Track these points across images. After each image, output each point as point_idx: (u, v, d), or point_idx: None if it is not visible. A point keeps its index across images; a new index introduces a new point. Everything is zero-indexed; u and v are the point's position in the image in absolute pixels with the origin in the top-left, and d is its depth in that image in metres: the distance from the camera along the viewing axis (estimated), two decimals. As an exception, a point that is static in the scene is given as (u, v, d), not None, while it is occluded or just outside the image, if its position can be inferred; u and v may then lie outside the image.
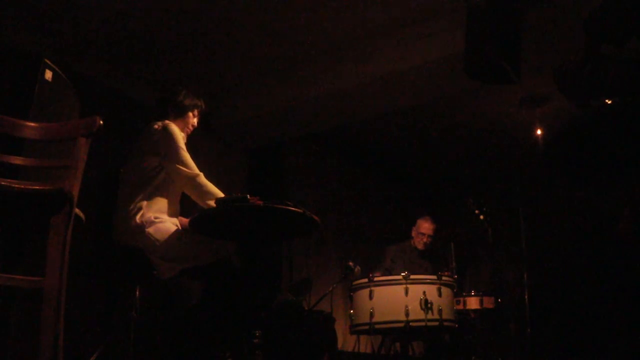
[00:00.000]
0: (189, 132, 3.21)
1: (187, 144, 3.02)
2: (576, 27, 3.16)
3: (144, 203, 2.85)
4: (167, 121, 3.03)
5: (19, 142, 2.11)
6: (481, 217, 4.89)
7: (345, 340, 5.55)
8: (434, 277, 3.88)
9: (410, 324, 3.68)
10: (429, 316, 3.70)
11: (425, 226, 5.45)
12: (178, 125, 3.07)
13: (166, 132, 2.95)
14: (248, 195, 2.61)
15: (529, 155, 6.13)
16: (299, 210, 2.67)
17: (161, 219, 2.86)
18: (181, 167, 2.88)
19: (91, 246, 3.02)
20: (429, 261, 5.48)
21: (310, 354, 4.12)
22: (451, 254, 5.58)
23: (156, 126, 2.99)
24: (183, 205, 3.10)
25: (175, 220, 2.94)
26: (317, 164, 6.77)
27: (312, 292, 4.92)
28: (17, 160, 1.99)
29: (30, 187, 1.68)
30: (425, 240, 5.44)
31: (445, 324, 3.75)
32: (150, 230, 2.80)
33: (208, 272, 2.85)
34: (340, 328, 5.20)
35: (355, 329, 4.00)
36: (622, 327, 5.06)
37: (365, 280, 3.93)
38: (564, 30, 3.99)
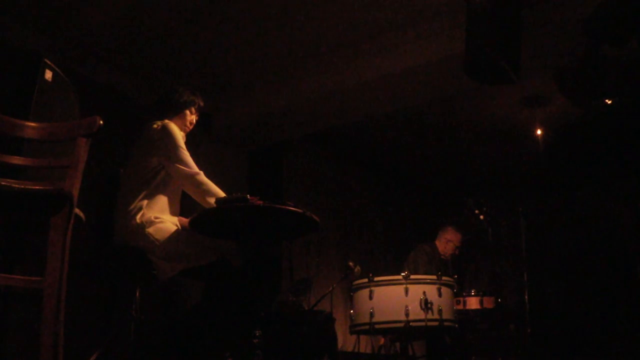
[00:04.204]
0: (188, 130, 3.21)
1: (187, 144, 3.03)
2: (576, 27, 3.16)
3: (144, 203, 2.86)
4: (166, 120, 3.04)
5: (19, 142, 2.11)
6: (481, 217, 4.89)
7: (345, 340, 5.55)
8: (434, 277, 3.88)
9: (411, 324, 3.67)
10: (429, 316, 3.69)
11: (458, 237, 5.50)
12: (176, 124, 3.07)
13: (165, 131, 2.95)
14: (248, 195, 2.61)
15: (529, 155, 6.14)
16: (299, 210, 2.67)
17: (161, 219, 2.86)
18: (181, 166, 2.89)
19: (91, 246, 3.02)
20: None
21: (310, 354, 4.11)
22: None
23: (155, 126, 2.99)
24: (183, 205, 3.10)
25: (175, 220, 2.94)
26: (317, 164, 6.77)
27: (312, 292, 4.92)
28: (17, 160, 1.99)
29: (30, 187, 1.68)
30: (454, 250, 5.50)
31: (446, 324, 3.75)
32: (151, 230, 2.80)
33: (208, 272, 2.85)
34: (340, 328, 5.19)
35: (355, 329, 3.99)
36: (622, 327, 5.06)
37: (365, 280, 3.93)
38: (564, 30, 3.99)
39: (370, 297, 3.82)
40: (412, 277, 3.83)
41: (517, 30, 3.68)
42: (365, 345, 5.44)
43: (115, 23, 4.34)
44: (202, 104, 3.25)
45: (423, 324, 3.68)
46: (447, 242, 5.50)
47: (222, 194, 2.85)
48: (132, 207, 2.84)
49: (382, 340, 5.15)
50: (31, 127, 2.01)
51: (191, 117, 3.21)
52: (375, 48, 4.74)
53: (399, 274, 3.86)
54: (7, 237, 2.24)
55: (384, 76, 4.78)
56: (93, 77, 4.70)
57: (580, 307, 5.85)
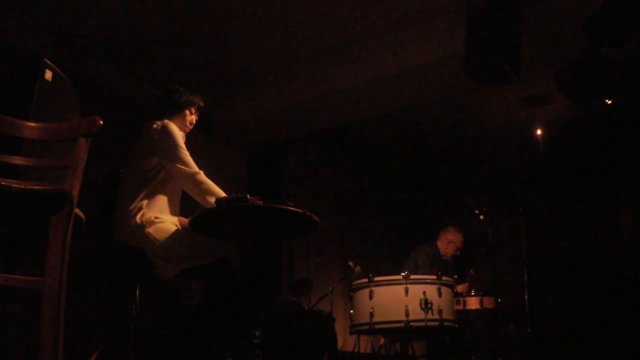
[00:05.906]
0: (188, 130, 3.21)
1: (186, 143, 3.03)
2: (576, 27, 3.17)
3: (144, 203, 2.86)
4: (166, 120, 3.04)
5: (19, 142, 2.11)
6: (481, 217, 4.89)
7: (345, 340, 5.55)
8: (434, 277, 3.88)
9: (411, 324, 3.67)
10: (429, 316, 3.69)
11: (460, 238, 5.49)
12: (176, 124, 3.08)
13: (165, 131, 2.95)
14: (248, 195, 2.61)
15: (529, 155, 6.14)
16: (299, 210, 2.67)
17: (161, 219, 2.86)
18: (181, 166, 2.89)
19: (91, 246, 3.02)
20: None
21: (310, 354, 4.12)
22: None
23: (155, 126, 2.99)
24: (183, 205, 3.10)
25: (175, 220, 2.94)
26: (317, 164, 6.77)
27: (312, 292, 4.92)
28: (17, 160, 1.99)
29: (30, 187, 1.68)
30: (456, 251, 5.49)
31: (446, 324, 3.75)
32: (151, 230, 2.80)
33: (208, 272, 2.85)
34: (340, 328, 5.19)
35: (355, 329, 3.99)
36: (622, 327, 5.06)
37: (365, 280, 3.93)
38: (564, 30, 3.99)
39: (370, 297, 3.82)
40: (412, 277, 3.83)
41: (517, 30, 3.69)
42: (365, 345, 5.44)
43: (116, 23, 4.34)
44: (202, 104, 3.25)
45: (423, 324, 3.68)
46: (448, 242, 5.49)
47: (222, 193, 2.84)
48: (132, 207, 2.84)
49: (382, 340, 5.15)
50: (31, 127, 2.00)
51: (191, 117, 3.21)
52: (375, 48, 4.75)
53: (399, 274, 3.86)
54: (7, 237, 2.24)
55: (384, 76, 4.78)
56: (93, 77, 4.70)
57: (580, 307, 5.85)
